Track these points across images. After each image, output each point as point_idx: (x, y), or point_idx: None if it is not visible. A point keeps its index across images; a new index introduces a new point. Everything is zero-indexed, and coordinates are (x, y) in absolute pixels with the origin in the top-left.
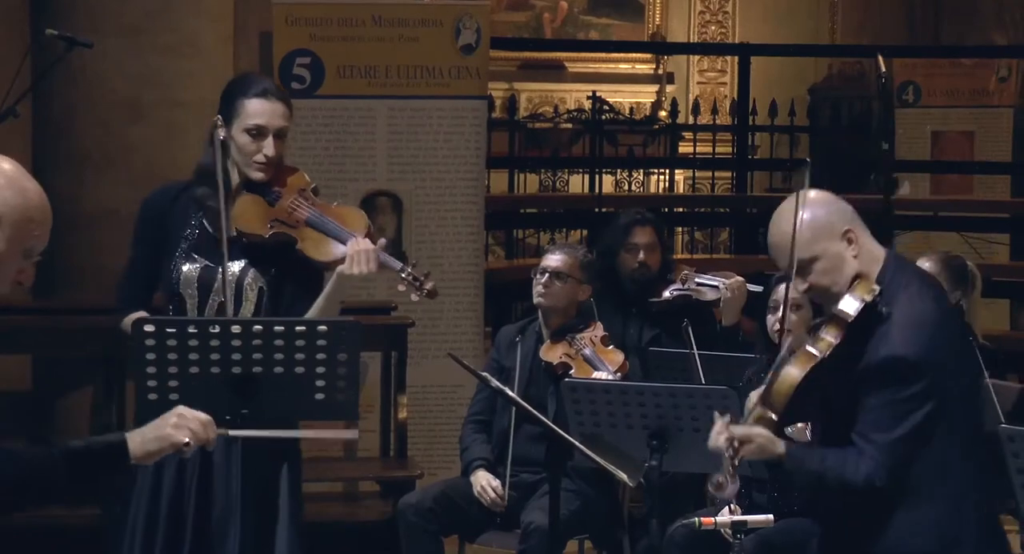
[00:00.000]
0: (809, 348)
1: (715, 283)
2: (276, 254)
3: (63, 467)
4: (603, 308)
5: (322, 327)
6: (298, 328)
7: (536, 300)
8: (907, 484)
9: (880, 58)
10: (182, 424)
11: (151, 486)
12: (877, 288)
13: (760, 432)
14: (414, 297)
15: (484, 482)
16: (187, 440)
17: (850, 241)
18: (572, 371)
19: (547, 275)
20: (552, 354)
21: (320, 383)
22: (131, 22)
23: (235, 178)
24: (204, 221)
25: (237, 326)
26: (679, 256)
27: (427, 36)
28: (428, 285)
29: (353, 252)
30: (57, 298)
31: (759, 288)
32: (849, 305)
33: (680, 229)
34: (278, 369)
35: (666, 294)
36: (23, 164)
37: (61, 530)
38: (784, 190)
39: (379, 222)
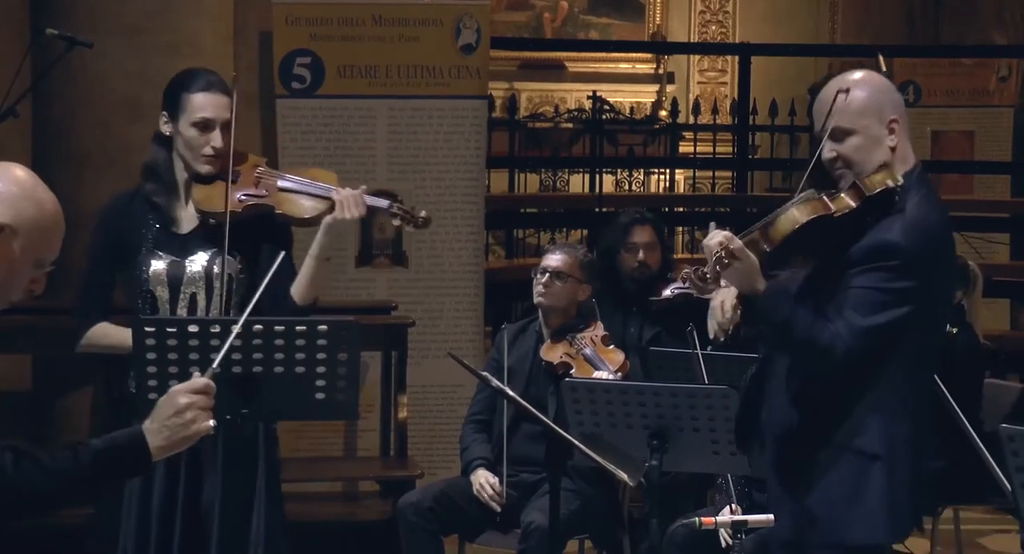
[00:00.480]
0: (825, 199)
1: None
2: (249, 231)
3: (90, 474)
4: (603, 307)
5: (322, 327)
6: (298, 328)
7: (536, 300)
8: (860, 382)
9: (880, 58)
10: (196, 410)
11: (141, 483)
12: (901, 180)
13: (753, 259)
14: (409, 229)
15: (483, 480)
16: (212, 423)
17: (892, 130)
18: (573, 371)
19: (547, 275)
20: (552, 354)
21: (320, 383)
22: (131, 22)
23: (182, 173)
24: (160, 219)
25: (238, 326)
26: (679, 256)
27: (427, 36)
28: (421, 214)
29: (341, 199)
30: (57, 298)
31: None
32: (873, 180)
33: (680, 229)
34: (278, 369)
35: (666, 293)
36: (23, 164)
37: (61, 530)
38: (785, 189)
39: (379, 221)
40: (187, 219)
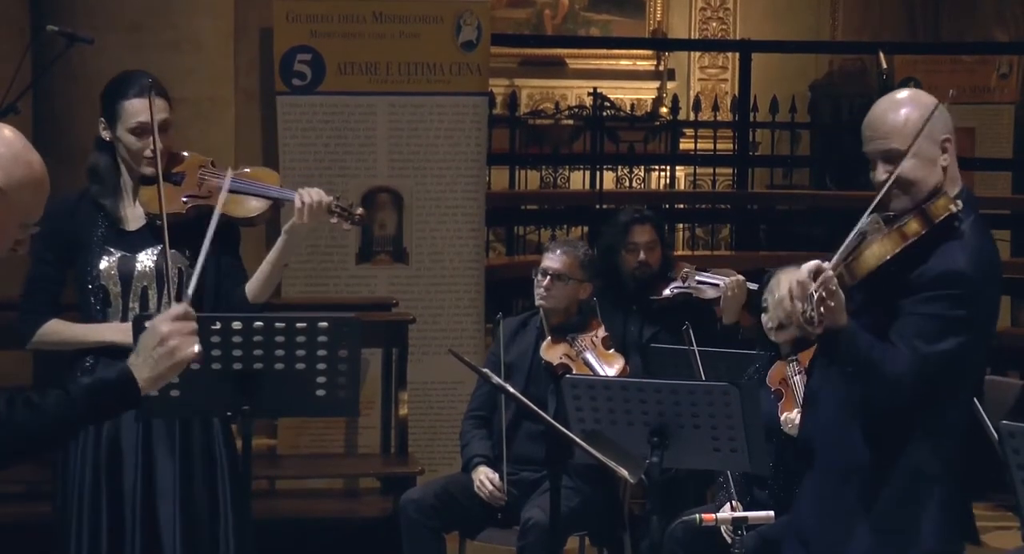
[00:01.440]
0: (901, 229)
1: (715, 281)
2: (195, 230)
3: (83, 411)
4: (603, 306)
5: (323, 323)
6: (299, 325)
7: (538, 302)
8: (917, 406)
9: (881, 54)
10: (179, 337)
11: (92, 480)
12: (961, 204)
13: (842, 295)
14: (347, 226)
15: (483, 477)
16: (198, 349)
17: (944, 150)
18: (573, 372)
19: (548, 277)
20: (552, 354)
21: (321, 379)
22: (132, 19)
23: (127, 177)
24: (108, 218)
25: (238, 322)
26: (680, 253)
27: (428, 33)
28: (357, 211)
29: (304, 205)
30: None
31: (757, 286)
32: (937, 207)
33: (681, 225)
34: (279, 365)
35: (667, 292)
36: None
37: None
38: (785, 186)
39: (380, 218)
40: (134, 217)
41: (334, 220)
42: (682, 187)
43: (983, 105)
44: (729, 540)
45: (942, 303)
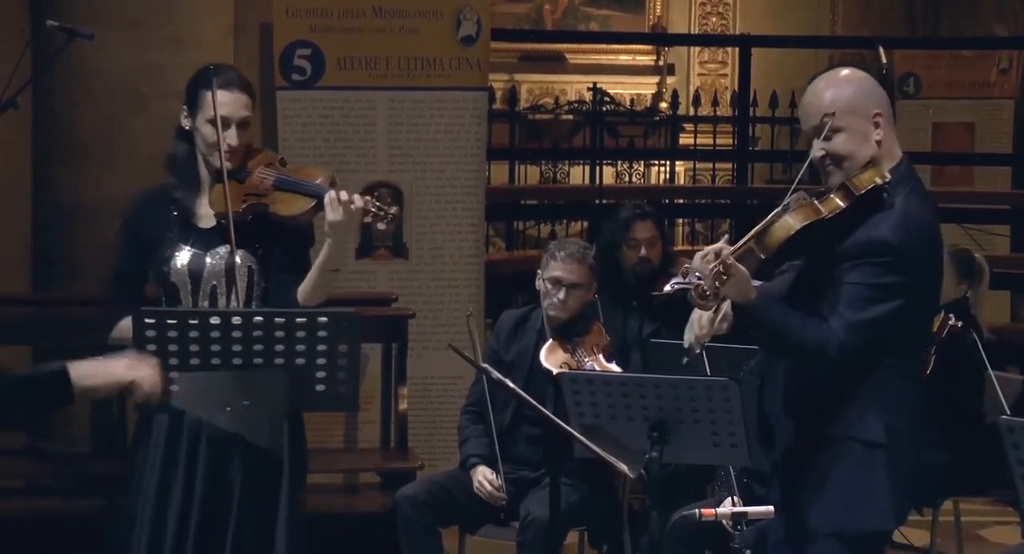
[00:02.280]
0: (816, 203)
1: None
2: (258, 229)
3: (13, 396)
4: (604, 302)
5: (322, 319)
6: (298, 320)
7: (552, 313)
8: (856, 375)
9: (881, 49)
10: (135, 366)
11: (159, 481)
12: (888, 176)
13: (745, 271)
14: (381, 226)
15: (482, 477)
16: (134, 378)
17: (877, 125)
18: None
19: (564, 288)
20: (552, 360)
21: (321, 374)
22: (132, 14)
23: (203, 168)
24: (183, 213)
25: (238, 318)
26: (680, 248)
27: (427, 27)
28: (392, 210)
29: (329, 201)
30: (57, 290)
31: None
32: (861, 180)
33: (681, 220)
34: (279, 361)
35: (667, 288)
36: (24, 155)
37: (62, 522)
38: (785, 181)
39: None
40: (208, 215)
41: (368, 219)
42: (682, 182)
43: (983, 100)
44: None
45: (868, 269)
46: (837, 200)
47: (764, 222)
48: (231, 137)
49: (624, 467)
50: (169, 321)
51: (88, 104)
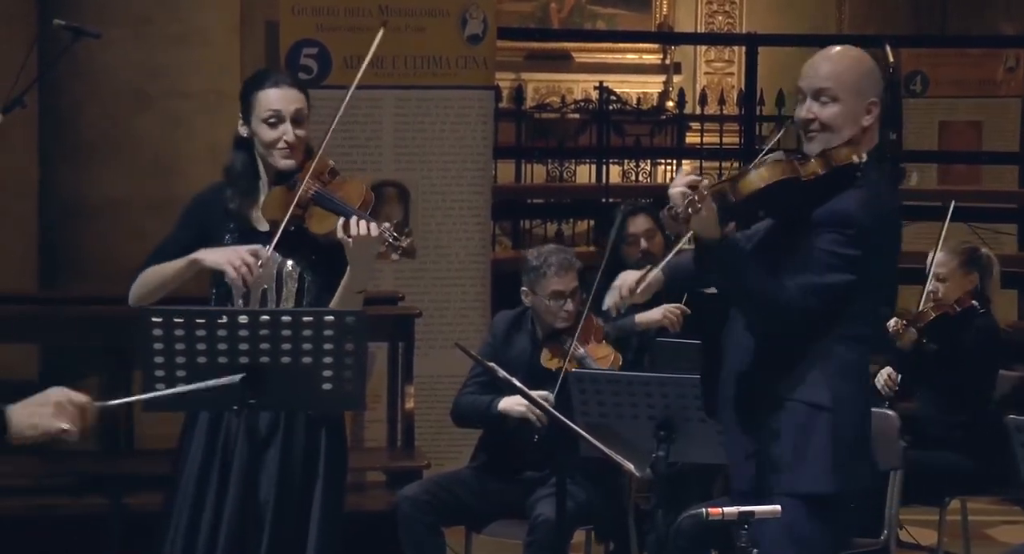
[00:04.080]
0: (796, 162)
1: None
2: (307, 238)
3: None
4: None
5: (329, 318)
6: (305, 319)
7: (560, 325)
8: (809, 338)
9: (887, 48)
10: (61, 412)
11: (197, 477)
12: (865, 157)
13: (714, 207)
14: (395, 257)
15: (515, 402)
16: (66, 426)
17: (869, 111)
18: None
19: (567, 299)
20: (552, 362)
21: (327, 373)
22: (138, 12)
23: (264, 174)
24: (238, 217)
25: (244, 316)
26: (687, 246)
27: (434, 26)
28: (404, 243)
29: (342, 226)
30: (63, 288)
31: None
32: (840, 153)
33: None
34: (285, 359)
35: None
36: (30, 154)
37: (65, 520)
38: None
39: (385, 212)
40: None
41: (382, 248)
42: None
43: (990, 99)
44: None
45: (832, 237)
46: (815, 166)
47: (742, 169)
48: (287, 133)
49: (630, 466)
50: (176, 320)
51: (94, 102)
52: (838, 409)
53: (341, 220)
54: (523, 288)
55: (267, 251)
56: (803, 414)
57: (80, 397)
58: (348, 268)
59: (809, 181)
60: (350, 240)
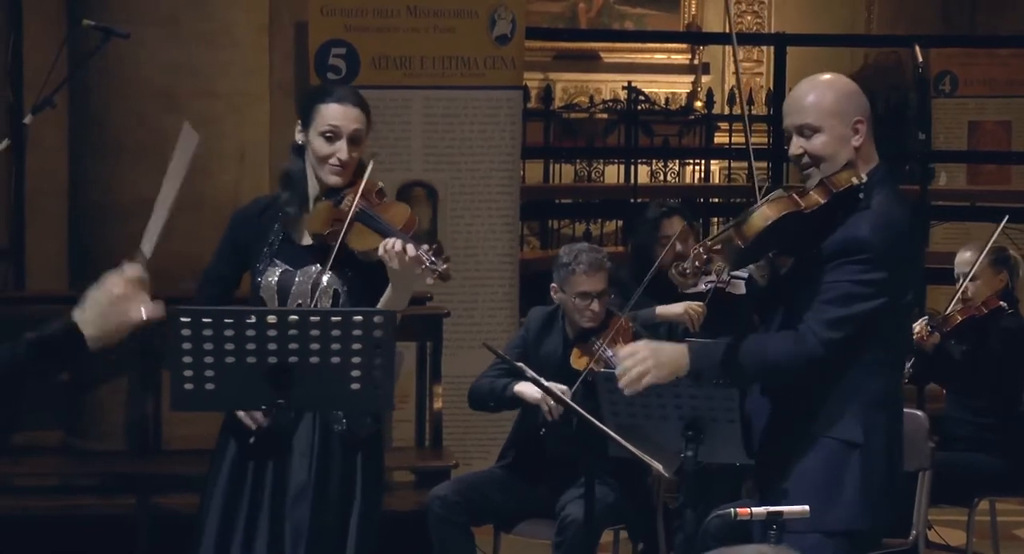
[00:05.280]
0: (795, 196)
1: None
2: (347, 255)
3: (29, 360)
4: (640, 301)
5: (357, 317)
6: (334, 318)
7: (587, 324)
8: (837, 372)
9: (916, 48)
10: (129, 300)
11: (228, 477)
12: (865, 177)
13: (666, 357)
14: (430, 281)
15: (529, 388)
16: (144, 315)
17: (856, 131)
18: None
19: (594, 299)
20: (580, 362)
21: (356, 373)
22: (167, 12)
23: (313, 184)
24: (284, 227)
25: (273, 316)
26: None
27: (462, 26)
28: (441, 267)
29: (383, 248)
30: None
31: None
32: (839, 178)
33: (715, 219)
34: (314, 359)
35: (700, 287)
36: (60, 154)
37: (93, 520)
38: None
39: (414, 213)
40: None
41: (418, 272)
42: (716, 181)
43: (1019, 98)
44: None
45: (849, 268)
46: (816, 196)
47: (743, 213)
48: (341, 150)
49: (659, 466)
50: (205, 320)
51: (123, 103)
52: (870, 445)
53: (384, 241)
54: (552, 284)
55: (264, 423)
56: (835, 451)
57: (131, 272)
58: (389, 288)
59: (812, 211)
60: (395, 262)
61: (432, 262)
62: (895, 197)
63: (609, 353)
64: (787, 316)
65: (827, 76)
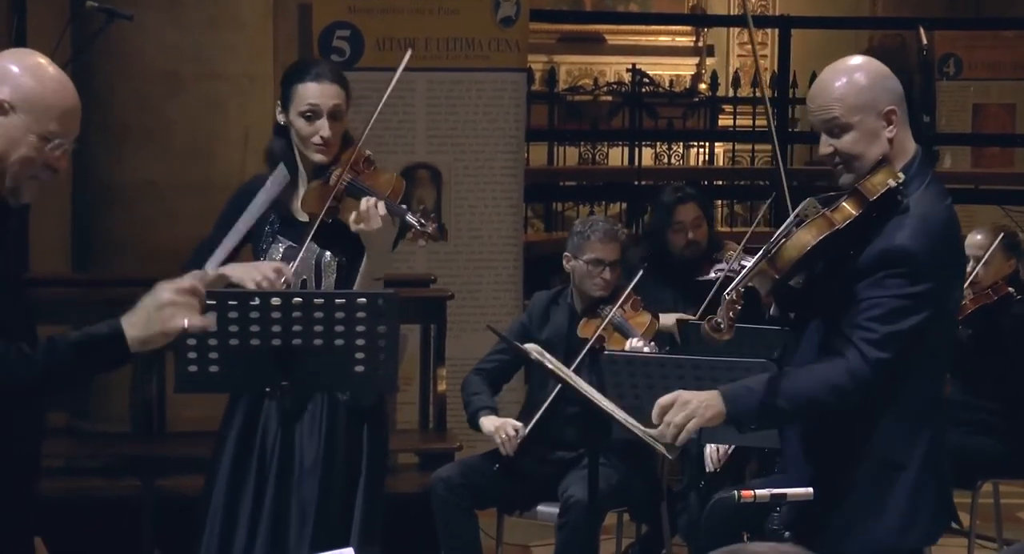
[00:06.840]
0: (828, 214)
1: None
2: (345, 230)
3: (71, 360)
4: (653, 286)
5: (361, 299)
6: (337, 300)
7: (598, 293)
8: (883, 390)
9: (921, 30)
10: (177, 309)
11: (233, 458)
12: (902, 176)
13: (706, 408)
14: (422, 242)
15: (497, 423)
16: (186, 324)
17: (889, 121)
18: (606, 342)
19: (607, 267)
20: (587, 330)
21: (359, 355)
22: None
23: (301, 164)
24: (281, 206)
25: (277, 298)
26: (718, 229)
27: (466, 8)
28: (429, 229)
29: (355, 210)
30: (96, 270)
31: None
32: (873, 183)
33: (720, 202)
34: (317, 341)
35: (712, 274)
36: None
37: (98, 502)
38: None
39: (418, 195)
40: None
41: (409, 235)
42: (721, 163)
43: None
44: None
45: (892, 283)
46: (848, 208)
47: (775, 239)
48: (323, 128)
49: (663, 448)
50: (208, 302)
51: (126, 84)
52: (917, 464)
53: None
54: (565, 253)
55: (290, 270)
56: (881, 473)
57: (185, 282)
58: (365, 254)
59: (848, 226)
60: (361, 225)
61: (421, 224)
62: (934, 192)
63: (619, 318)
64: (824, 328)
65: (853, 61)
